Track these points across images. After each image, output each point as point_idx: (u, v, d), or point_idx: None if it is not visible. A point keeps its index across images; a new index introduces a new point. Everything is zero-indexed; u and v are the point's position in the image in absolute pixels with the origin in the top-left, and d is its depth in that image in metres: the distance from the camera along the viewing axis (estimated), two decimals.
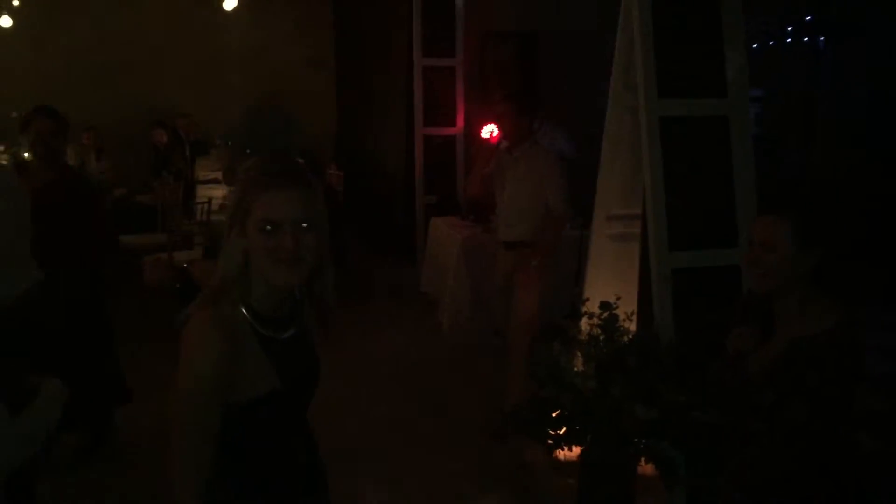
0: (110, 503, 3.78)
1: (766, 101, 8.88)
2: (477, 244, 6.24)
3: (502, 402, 4.58)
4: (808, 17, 8.62)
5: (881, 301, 5.72)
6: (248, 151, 2.52)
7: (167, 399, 1.67)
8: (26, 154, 5.08)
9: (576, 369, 3.59)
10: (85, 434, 4.22)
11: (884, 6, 7.87)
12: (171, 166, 8.94)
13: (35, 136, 3.94)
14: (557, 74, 8.29)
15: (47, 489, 2.67)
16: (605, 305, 3.64)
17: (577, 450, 3.63)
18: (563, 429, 3.46)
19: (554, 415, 3.50)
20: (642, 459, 3.41)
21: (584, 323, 3.73)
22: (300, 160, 1.76)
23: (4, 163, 6.30)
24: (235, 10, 8.91)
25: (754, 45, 8.26)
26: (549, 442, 3.61)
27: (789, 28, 8.85)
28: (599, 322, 3.57)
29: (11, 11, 9.24)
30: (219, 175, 8.22)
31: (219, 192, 7.63)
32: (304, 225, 1.65)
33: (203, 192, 7.90)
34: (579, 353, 3.62)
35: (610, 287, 3.91)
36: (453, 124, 8.09)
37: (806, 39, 8.70)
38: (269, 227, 1.63)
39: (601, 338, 3.56)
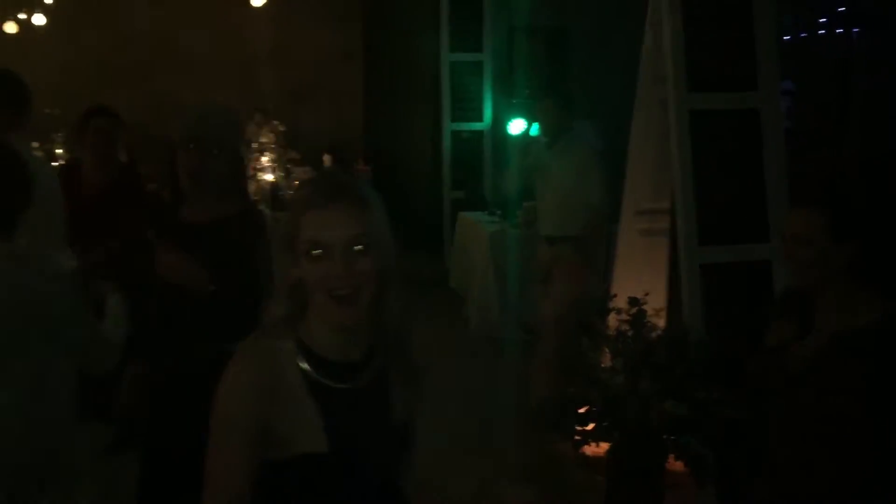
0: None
1: (797, 95, 8.76)
2: (504, 239, 6.23)
3: (530, 398, 4.58)
4: (841, 9, 8.48)
5: None
6: (215, 152, 2.45)
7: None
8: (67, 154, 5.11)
9: (604, 365, 3.58)
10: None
11: None
12: None
13: (94, 135, 3.90)
14: (586, 68, 8.24)
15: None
16: (633, 301, 3.61)
17: (604, 446, 3.61)
18: (591, 425, 3.45)
19: (581, 410, 3.49)
20: (671, 456, 3.39)
21: (612, 319, 3.72)
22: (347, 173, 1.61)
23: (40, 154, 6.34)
24: (264, 5, 8.96)
25: (786, 38, 8.16)
26: (577, 438, 3.61)
27: (822, 20, 8.71)
28: (628, 318, 3.55)
29: (45, 10, 9.36)
30: (250, 172, 8.27)
31: (249, 188, 7.68)
32: (359, 247, 1.39)
33: None
34: (607, 349, 3.61)
35: (638, 282, 3.88)
36: (480, 119, 8.08)
37: (839, 31, 8.57)
38: (314, 252, 1.40)
39: (629, 333, 3.54)
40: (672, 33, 3.33)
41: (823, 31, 8.78)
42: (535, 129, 5.31)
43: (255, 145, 8.21)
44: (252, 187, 7.62)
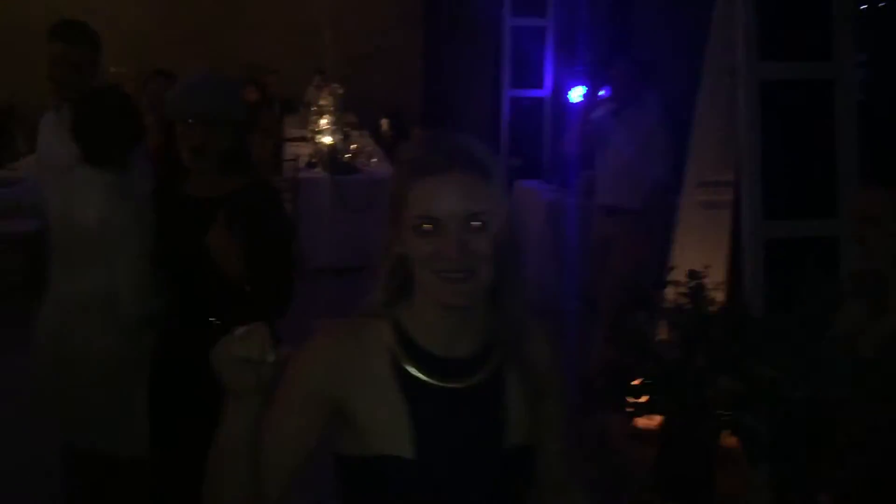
0: None
1: (873, 67, 8.44)
2: (562, 208, 6.17)
3: (585, 370, 4.55)
4: None
5: None
6: (217, 126, 2.41)
7: None
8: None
9: (660, 338, 3.53)
10: None
11: None
12: (260, 124, 9.11)
13: (151, 97, 3.96)
14: (651, 34, 8.05)
15: None
16: (692, 274, 3.55)
17: (657, 418, 3.58)
18: (644, 397, 3.41)
19: (635, 383, 3.46)
20: (724, 432, 3.34)
21: (670, 291, 3.66)
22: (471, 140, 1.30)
23: None
24: None
25: (862, 7, 7.84)
26: (630, 410, 3.58)
27: None
28: (686, 291, 3.49)
29: None
30: (307, 133, 8.32)
31: (307, 150, 7.73)
32: (475, 223, 1.22)
33: (292, 150, 8.02)
34: (664, 322, 3.56)
35: (698, 255, 3.81)
36: (541, 86, 7.97)
37: None
38: (425, 226, 1.23)
39: (687, 307, 3.48)
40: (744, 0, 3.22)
41: None
42: (602, 95, 5.21)
43: (313, 108, 8.25)
44: (310, 150, 7.69)
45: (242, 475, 1.16)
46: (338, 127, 7.79)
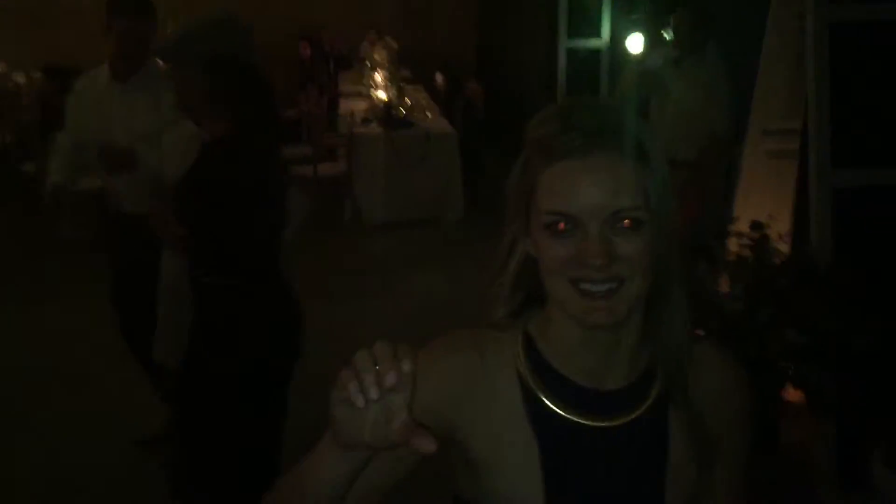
0: None
1: None
2: None
3: None
4: None
5: None
6: (193, 72, 2.33)
7: None
8: None
9: (722, 290, 3.48)
10: None
11: None
12: (315, 80, 9.13)
13: None
14: None
15: None
16: (756, 225, 3.48)
17: None
18: None
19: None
20: (789, 385, 3.30)
21: (732, 243, 3.59)
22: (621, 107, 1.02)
23: None
24: None
25: None
26: None
27: None
28: (750, 242, 3.43)
29: None
30: (361, 89, 8.32)
31: (362, 106, 7.74)
32: (626, 221, 0.95)
33: (346, 106, 8.03)
34: (726, 275, 3.50)
35: (762, 206, 3.73)
36: (598, 36, 7.80)
37: None
38: (559, 225, 0.96)
39: (750, 259, 3.42)
40: None
41: None
42: (664, 41, 5.07)
43: (368, 63, 8.22)
44: (365, 105, 7.69)
45: None
46: (392, 82, 7.76)
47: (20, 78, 8.15)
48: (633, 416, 1.03)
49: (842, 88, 3.14)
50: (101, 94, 3.38)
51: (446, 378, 1.03)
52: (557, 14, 7.80)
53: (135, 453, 3.52)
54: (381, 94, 7.60)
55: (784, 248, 3.52)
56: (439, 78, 8.88)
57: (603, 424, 1.02)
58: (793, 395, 3.41)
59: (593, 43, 7.82)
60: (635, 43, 6.21)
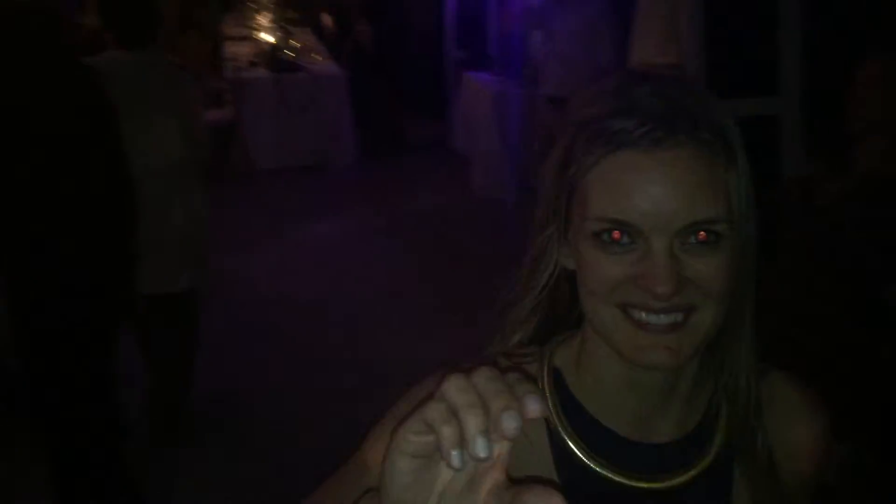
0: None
1: None
2: (511, 99, 6.12)
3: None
4: None
5: None
6: None
7: None
8: None
9: None
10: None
11: None
12: (196, 23, 8.76)
13: None
14: None
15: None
16: None
17: None
18: None
19: None
20: None
21: None
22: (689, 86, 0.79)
23: None
24: None
25: None
26: None
27: None
28: None
29: None
30: (247, 32, 8.05)
31: (248, 49, 7.49)
32: (703, 235, 0.74)
33: (232, 50, 7.77)
34: None
35: None
36: None
37: None
38: (613, 234, 0.75)
39: None
40: None
41: None
42: None
43: (252, 5, 7.95)
44: (251, 49, 7.45)
45: None
46: (278, 24, 7.54)
47: None
48: (690, 475, 0.81)
49: (715, 21, 3.24)
50: None
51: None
52: None
53: None
54: (267, 37, 7.37)
55: None
56: (326, 19, 8.67)
57: (650, 486, 0.80)
58: None
59: None
60: None
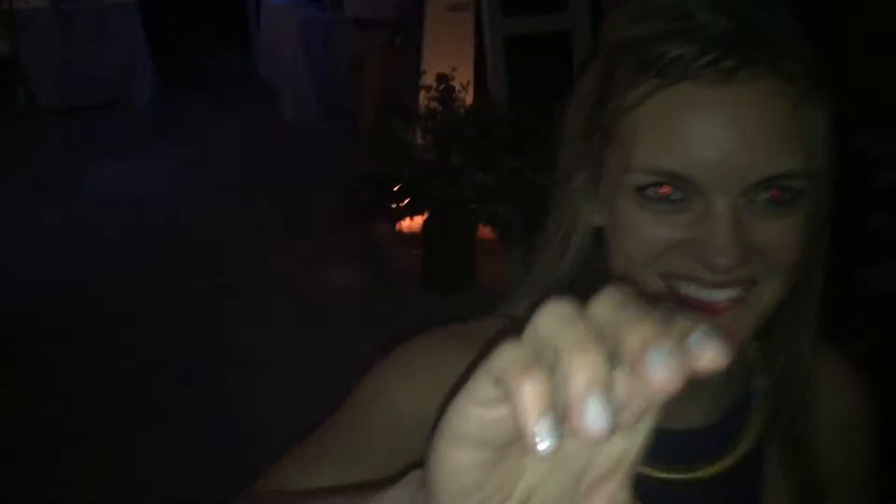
0: None
1: None
2: (316, 25, 5.98)
3: (351, 185, 4.62)
4: None
5: None
6: None
7: None
8: None
9: (416, 143, 3.64)
10: None
11: None
12: None
13: None
14: None
15: None
16: (441, 78, 3.63)
17: (419, 221, 3.75)
18: (406, 200, 3.55)
19: (396, 189, 3.57)
20: (481, 224, 3.58)
21: (422, 97, 3.73)
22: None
23: None
24: None
25: None
26: (392, 214, 3.72)
27: None
28: (436, 95, 3.58)
29: None
30: None
31: None
32: (776, 193, 0.60)
33: None
34: (419, 127, 3.65)
35: (446, 59, 3.88)
36: None
37: None
38: (661, 192, 0.60)
39: (439, 110, 3.58)
40: None
41: None
42: None
43: None
44: None
45: None
46: None
47: None
48: (723, 464, 0.71)
49: None
50: None
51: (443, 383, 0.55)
52: None
53: None
54: None
55: (468, 97, 3.72)
56: None
57: (682, 477, 0.70)
58: (486, 233, 3.71)
59: None
60: None
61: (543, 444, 0.31)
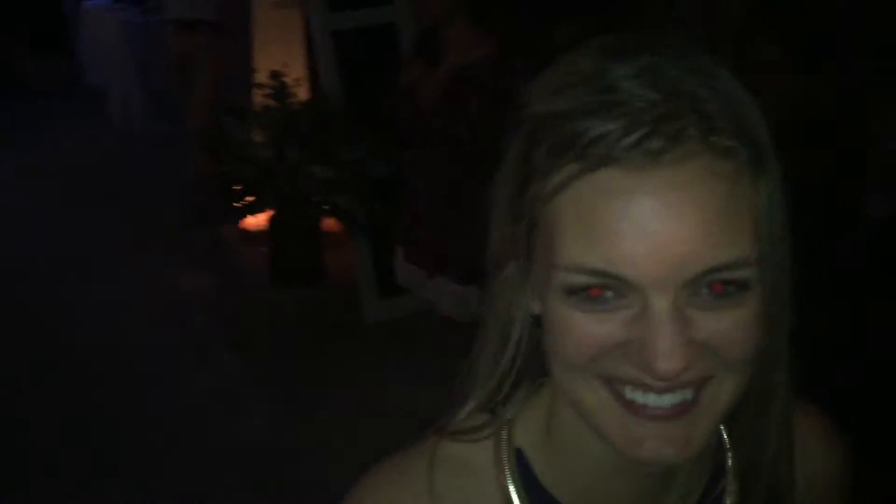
0: None
1: None
2: (139, 27, 5.83)
3: (191, 188, 4.55)
4: None
5: None
6: None
7: None
8: None
9: (254, 141, 3.65)
10: None
11: None
12: None
13: None
14: None
15: None
16: (274, 74, 3.66)
17: (264, 218, 3.77)
18: (248, 199, 3.56)
19: (237, 188, 3.58)
20: (326, 217, 3.65)
21: (256, 95, 3.75)
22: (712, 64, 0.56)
23: None
24: None
25: None
26: (236, 214, 3.73)
27: None
28: (270, 91, 3.61)
29: None
30: None
31: None
32: (719, 287, 0.53)
33: None
34: (256, 126, 3.67)
35: (277, 56, 3.91)
36: None
37: None
38: (591, 294, 0.54)
39: (274, 107, 3.61)
40: None
41: None
42: None
43: None
44: None
45: None
46: None
47: None
48: None
49: None
50: None
51: None
52: None
53: None
54: None
55: (302, 92, 3.77)
56: None
57: None
58: (332, 225, 3.78)
59: None
60: None
61: None
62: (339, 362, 3.20)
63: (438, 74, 2.40)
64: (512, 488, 0.63)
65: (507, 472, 0.64)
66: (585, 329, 0.54)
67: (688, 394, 0.54)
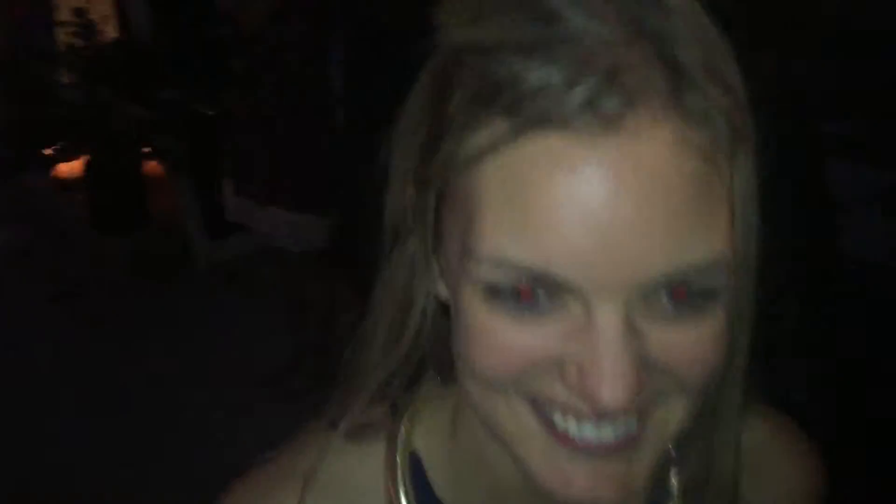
0: None
1: None
2: None
3: None
4: None
5: None
6: None
7: None
8: None
9: (61, 82, 3.46)
10: None
11: None
12: None
13: None
14: None
15: None
16: (78, 12, 3.46)
17: (79, 164, 3.60)
18: (59, 144, 3.39)
19: (45, 134, 3.40)
20: (147, 159, 3.52)
21: (60, 34, 3.54)
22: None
23: None
24: None
25: None
26: (48, 162, 3.54)
27: None
28: (75, 29, 3.42)
29: None
30: None
31: None
32: (682, 292, 0.40)
33: None
34: (63, 67, 3.48)
35: None
36: None
37: None
38: (521, 296, 0.41)
39: (81, 46, 3.43)
40: None
41: None
42: None
43: None
44: None
45: None
46: None
47: None
48: None
49: None
50: None
51: None
52: None
53: None
54: None
55: (111, 30, 3.60)
56: None
57: None
58: (154, 168, 3.66)
59: None
60: None
61: None
62: (174, 307, 3.14)
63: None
64: (403, 495, 0.52)
65: (399, 481, 0.53)
66: (510, 339, 0.41)
67: (632, 424, 0.43)
